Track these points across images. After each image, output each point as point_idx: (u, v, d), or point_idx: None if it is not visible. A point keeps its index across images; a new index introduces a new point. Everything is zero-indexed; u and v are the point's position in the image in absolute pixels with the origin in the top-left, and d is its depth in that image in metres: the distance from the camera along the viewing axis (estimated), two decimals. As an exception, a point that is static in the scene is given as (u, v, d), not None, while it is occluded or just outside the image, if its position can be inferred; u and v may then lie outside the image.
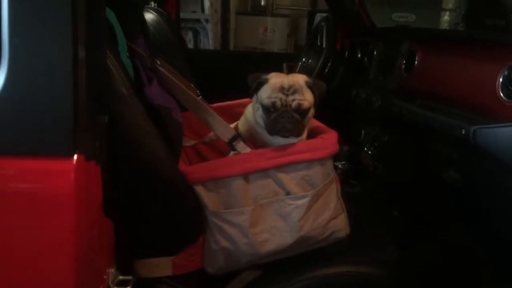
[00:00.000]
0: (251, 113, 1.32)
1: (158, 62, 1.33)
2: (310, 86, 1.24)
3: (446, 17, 5.97)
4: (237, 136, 1.21)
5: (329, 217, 1.24)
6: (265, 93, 1.23)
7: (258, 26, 5.44)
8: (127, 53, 1.18)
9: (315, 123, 1.37)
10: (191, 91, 1.35)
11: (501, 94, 1.23)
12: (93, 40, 0.90)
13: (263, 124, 1.25)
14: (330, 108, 1.66)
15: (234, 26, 5.38)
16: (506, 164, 1.20)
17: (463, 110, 1.38)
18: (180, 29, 3.27)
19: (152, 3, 2.63)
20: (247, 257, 1.20)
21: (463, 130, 1.27)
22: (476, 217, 1.54)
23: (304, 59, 2.58)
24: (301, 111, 1.21)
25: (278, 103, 1.20)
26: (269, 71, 1.30)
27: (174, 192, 1.14)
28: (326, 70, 2.35)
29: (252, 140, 1.29)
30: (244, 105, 1.43)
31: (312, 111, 1.26)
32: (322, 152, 1.21)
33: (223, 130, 1.23)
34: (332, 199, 1.26)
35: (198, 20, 4.82)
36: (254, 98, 1.28)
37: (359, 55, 2.31)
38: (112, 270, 1.01)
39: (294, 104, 1.20)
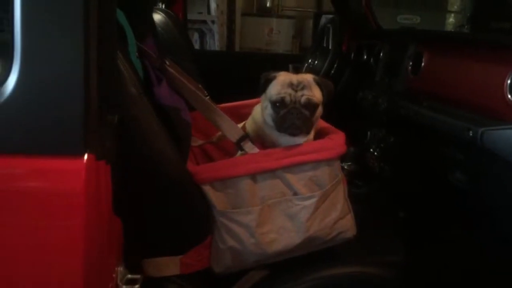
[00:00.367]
0: (259, 113, 1.33)
1: (167, 63, 1.33)
2: (318, 83, 1.25)
3: (451, 19, 5.97)
4: (245, 136, 1.22)
5: (336, 217, 1.24)
6: (274, 90, 1.24)
7: (264, 27, 5.45)
8: (137, 53, 1.19)
9: (323, 123, 1.37)
10: (199, 91, 1.36)
11: (509, 96, 1.23)
12: (104, 40, 0.91)
13: (271, 123, 1.26)
14: (336, 110, 1.66)
15: (239, 28, 5.40)
16: (514, 166, 1.21)
17: (470, 112, 1.39)
18: (187, 30, 3.29)
19: (160, 4, 2.65)
20: (254, 257, 1.20)
21: (471, 132, 1.27)
22: (482, 218, 1.54)
23: (310, 61, 2.59)
24: (310, 107, 1.22)
25: (287, 99, 1.21)
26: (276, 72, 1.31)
27: (182, 191, 1.14)
28: (332, 72, 2.35)
29: (260, 140, 1.30)
30: (251, 106, 1.44)
31: (320, 110, 1.26)
32: (329, 152, 1.22)
33: (231, 130, 1.23)
34: (339, 199, 1.26)
35: (204, 21, 4.84)
36: (263, 97, 1.29)
37: (365, 57, 2.31)
38: (120, 269, 1.02)
39: (303, 99, 1.21)
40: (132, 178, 1.05)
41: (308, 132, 1.26)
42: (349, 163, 2.16)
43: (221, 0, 5.08)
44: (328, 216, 1.23)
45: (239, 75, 2.44)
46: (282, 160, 1.18)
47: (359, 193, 1.98)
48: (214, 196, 1.16)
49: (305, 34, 5.71)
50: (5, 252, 0.88)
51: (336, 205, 1.25)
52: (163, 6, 2.65)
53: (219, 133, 1.45)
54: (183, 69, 1.51)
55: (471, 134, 1.27)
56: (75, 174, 0.86)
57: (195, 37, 4.79)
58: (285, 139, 1.26)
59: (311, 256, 1.26)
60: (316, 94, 1.23)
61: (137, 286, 1.02)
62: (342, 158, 1.28)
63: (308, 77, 1.26)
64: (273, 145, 1.28)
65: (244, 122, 1.42)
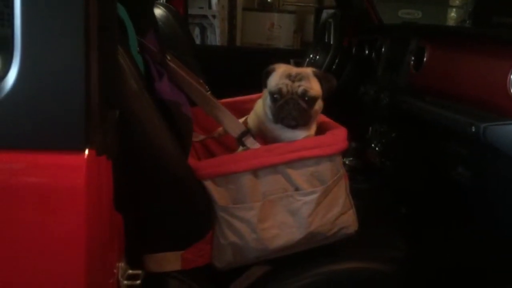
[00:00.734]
0: (261, 108, 1.32)
1: (168, 57, 1.33)
2: (317, 76, 1.25)
3: (452, 14, 5.95)
4: (247, 131, 1.21)
5: (337, 213, 1.24)
6: (273, 81, 1.25)
7: (265, 22, 5.44)
8: (138, 48, 1.18)
9: (324, 118, 1.37)
10: (200, 86, 1.35)
11: (512, 91, 1.22)
12: (105, 35, 0.90)
13: (271, 115, 1.25)
14: (337, 105, 1.66)
15: (240, 22, 5.38)
16: (516, 162, 1.20)
17: (473, 108, 1.38)
18: (188, 25, 3.27)
19: (161, -1, 2.64)
20: (256, 253, 1.20)
21: (473, 127, 1.27)
22: (484, 214, 1.53)
23: (311, 56, 2.58)
24: (308, 99, 1.22)
25: (284, 89, 1.21)
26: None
27: (184, 187, 1.14)
28: (334, 67, 2.34)
29: (262, 135, 1.29)
30: (252, 101, 1.43)
31: (320, 104, 1.26)
32: (331, 148, 1.21)
33: (232, 125, 1.23)
34: (341, 195, 1.26)
35: (205, 16, 4.82)
36: (264, 90, 1.29)
37: (367, 52, 2.30)
38: (122, 264, 1.01)
39: (300, 90, 1.21)
40: (133, 174, 1.05)
41: (305, 124, 1.25)
42: (351, 159, 2.15)
43: (222, -6, 5.07)
44: (330, 212, 1.23)
45: (240, 70, 2.43)
46: (284, 156, 1.18)
47: (361, 189, 1.98)
48: (215, 191, 1.16)
49: (306, 29, 5.71)
50: (6, 248, 0.87)
51: (338, 201, 1.24)
52: (164, 1, 2.64)
53: (220, 128, 1.45)
54: (184, 64, 1.50)
55: (473, 130, 1.27)
56: (76, 169, 0.86)
57: (196, 32, 4.78)
58: (287, 134, 1.26)
59: (313, 252, 1.26)
60: (314, 87, 1.23)
61: (138, 281, 1.02)
62: (344, 154, 1.28)
63: (308, 70, 1.26)
64: (275, 140, 1.28)
65: (245, 117, 1.41)
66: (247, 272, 1.24)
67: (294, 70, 1.25)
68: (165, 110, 1.14)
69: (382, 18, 2.54)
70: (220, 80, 2.12)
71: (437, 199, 1.74)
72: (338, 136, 1.24)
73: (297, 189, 1.20)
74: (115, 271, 1.00)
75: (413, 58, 1.76)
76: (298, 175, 1.19)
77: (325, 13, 2.84)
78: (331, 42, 2.46)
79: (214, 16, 4.88)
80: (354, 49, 2.42)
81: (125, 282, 1.00)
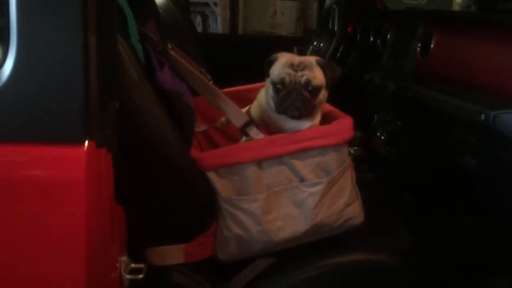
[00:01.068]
0: (263, 97, 1.29)
1: (169, 46, 1.30)
2: (321, 65, 1.22)
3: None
4: (250, 122, 1.18)
5: (343, 204, 1.22)
6: (275, 71, 1.22)
7: (267, 9, 5.37)
8: (138, 37, 1.15)
9: (329, 107, 1.34)
10: (202, 75, 1.33)
11: (523, 78, 1.19)
12: (104, 23, 0.87)
13: (273, 105, 1.23)
14: (342, 93, 1.63)
15: (242, 10, 5.32)
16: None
17: (482, 95, 1.35)
18: (189, 12, 3.23)
19: (161, -14, 2.59)
20: (260, 245, 1.18)
21: (483, 115, 1.24)
22: (492, 203, 1.51)
23: (315, 43, 2.54)
24: (311, 89, 1.19)
25: (287, 79, 1.19)
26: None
27: (186, 178, 1.11)
28: (338, 54, 2.30)
29: (265, 125, 1.27)
30: (256, 90, 1.40)
31: (324, 93, 1.23)
32: (337, 138, 1.19)
33: (235, 115, 1.20)
34: (347, 185, 1.23)
35: (206, 4, 4.77)
36: (267, 80, 1.26)
37: (372, 39, 2.26)
38: (124, 258, 1.00)
39: (303, 79, 1.18)
40: (134, 165, 1.02)
41: (308, 115, 1.23)
42: (356, 148, 2.12)
43: (224, -18, 5.00)
44: (336, 203, 1.21)
45: (243, 59, 2.40)
46: (289, 146, 1.15)
47: (366, 178, 1.95)
48: (218, 183, 1.14)
49: (309, 16, 5.63)
50: (5, 241, 0.86)
51: (344, 191, 1.22)
52: (165, -12, 2.59)
53: (223, 118, 1.42)
54: (185, 53, 1.47)
55: (483, 118, 1.24)
56: (75, 162, 0.84)
57: (197, 20, 4.73)
58: (291, 124, 1.23)
59: (318, 244, 1.24)
60: (318, 76, 1.20)
61: (141, 275, 1.00)
62: (349, 143, 1.25)
63: (311, 59, 1.23)
64: (279, 130, 1.25)
65: (248, 107, 1.39)
66: (252, 265, 1.22)
67: (297, 59, 1.22)
68: (166, 100, 1.12)
69: (387, 4, 2.49)
70: (222, 68, 2.09)
71: (443, 187, 1.72)
72: (344, 125, 1.21)
73: (302, 180, 1.17)
74: (117, 265, 0.98)
75: (419, 44, 1.72)
76: (303, 165, 1.17)
77: (328, 0, 2.79)
78: (335, 29, 2.41)
79: (215, 4, 4.82)
80: (358, 36, 2.37)
81: (128, 276, 0.98)
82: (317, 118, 1.26)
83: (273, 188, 1.16)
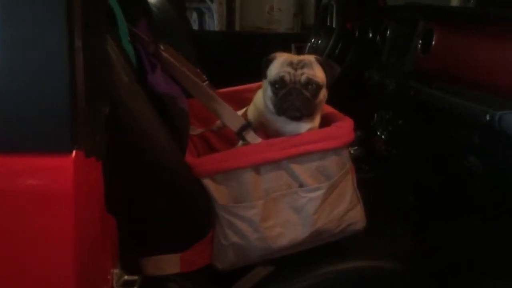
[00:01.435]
0: (261, 99, 1.25)
1: (162, 47, 1.25)
2: (321, 63, 1.18)
3: (456, -7, 5.82)
4: (247, 125, 1.14)
5: (345, 209, 1.18)
6: (274, 70, 1.17)
7: (264, 5, 5.32)
8: (129, 38, 1.11)
9: (329, 109, 1.29)
10: (197, 77, 1.28)
11: (530, 77, 1.15)
12: (91, 23, 0.83)
13: (272, 107, 1.18)
14: (341, 91, 1.59)
15: (239, 6, 5.27)
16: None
17: (486, 93, 1.31)
18: (185, 9, 3.18)
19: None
20: (259, 252, 1.14)
21: (488, 116, 1.20)
22: (496, 204, 1.47)
23: (313, 40, 2.49)
24: (312, 88, 1.15)
25: (287, 77, 1.14)
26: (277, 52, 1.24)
27: (181, 185, 1.07)
28: (337, 51, 2.25)
29: (262, 128, 1.22)
30: (253, 90, 1.36)
31: (324, 93, 1.19)
32: (337, 141, 1.14)
33: (231, 119, 1.16)
34: (348, 190, 1.19)
35: (202, 0, 4.71)
36: (264, 81, 1.22)
37: (371, 35, 2.22)
38: (116, 271, 0.96)
39: (303, 78, 1.14)
40: (126, 174, 0.98)
41: (309, 115, 1.18)
42: (355, 148, 2.08)
43: (220, -23, 4.94)
44: (337, 208, 1.17)
45: (240, 57, 2.36)
46: (287, 150, 1.11)
47: (366, 178, 1.91)
48: (215, 189, 1.09)
49: (306, 11, 5.58)
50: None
51: (345, 196, 1.18)
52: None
53: (219, 121, 1.38)
54: (180, 53, 1.42)
55: (488, 118, 1.20)
56: (62, 173, 0.79)
57: (193, 17, 4.68)
58: (289, 127, 1.19)
59: (319, 250, 1.20)
60: (318, 74, 1.16)
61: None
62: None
63: (310, 57, 1.19)
64: (277, 133, 1.21)
65: (245, 108, 1.34)
66: (250, 273, 1.18)
67: (296, 57, 1.18)
68: (159, 104, 1.07)
69: (386, -1, 2.45)
70: (219, 66, 2.05)
71: (445, 187, 1.68)
72: (344, 128, 1.17)
73: (301, 185, 1.13)
74: (108, 277, 0.94)
75: (420, 41, 1.67)
76: (302, 170, 1.12)
77: (326, -5, 2.74)
78: (334, 26, 2.36)
79: (212, 0, 4.77)
80: (357, 32, 2.32)
81: (120, 289, 0.94)
82: (317, 120, 1.22)
83: (272, 194, 1.12)
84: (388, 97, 1.86)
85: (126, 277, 0.97)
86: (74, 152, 0.78)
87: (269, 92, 1.18)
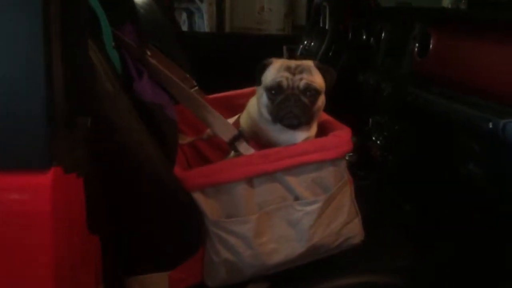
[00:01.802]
0: (254, 107, 1.19)
1: (149, 53, 1.18)
2: (320, 68, 1.12)
3: (447, -6, 5.81)
4: (239, 135, 1.08)
5: (342, 222, 1.12)
6: (270, 75, 1.11)
7: (254, 5, 5.27)
8: (113, 43, 1.04)
9: (325, 116, 1.24)
10: (186, 82, 1.22)
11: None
12: (71, 28, 0.77)
13: (267, 115, 1.12)
14: (335, 95, 1.54)
15: (229, 6, 5.21)
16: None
17: (486, 99, 1.26)
18: (173, 10, 3.11)
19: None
20: (252, 269, 1.08)
21: (491, 124, 1.15)
22: (498, 214, 1.43)
23: (305, 42, 2.44)
24: (310, 94, 1.09)
25: (284, 83, 1.08)
26: (269, 54, 1.18)
27: (170, 200, 1.01)
28: (330, 54, 2.20)
29: (256, 138, 1.16)
30: (245, 96, 1.30)
31: (322, 99, 1.13)
32: (334, 151, 1.09)
33: (223, 128, 1.09)
34: (346, 202, 1.13)
35: (192, 0, 4.65)
36: (258, 88, 1.16)
37: (365, 37, 2.16)
38: (100, 292, 0.89)
39: (302, 84, 1.08)
40: (110, 189, 0.91)
41: (307, 123, 1.13)
42: (351, 154, 2.02)
43: (209, -23, 4.88)
44: (334, 222, 1.11)
45: (231, 60, 2.30)
46: (282, 161, 1.04)
47: (362, 185, 1.86)
48: (205, 204, 1.03)
49: (297, 12, 5.54)
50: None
51: (343, 209, 1.12)
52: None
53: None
54: (168, 56, 1.36)
55: (491, 126, 1.15)
56: (40, 191, 0.74)
57: (183, 17, 4.61)
58: (284, 136, 1.13)
59: (316, 264, 1.14)
60: (317, 80, 1.10)
61: (119, 310, 0.90)
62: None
63: (309, 62, 1.13)
64: (271, 143, 1.15)
65: (237, 116, 1.28)
66: (244, 291, 1.12)
67: (293, 62, 1.12)
68: (146, 114, 1.01)
69: (379, 0, 2.40)
70: (209, 69, 1.99)
71: (443, 196, 1.63)
72: (342, 137, 1.11)
73: (297, 198, 1.07)
74: (92, 299, 0.88)
75: (417, 44, 1.62)
76: (298, 182, 1.06)
77: (318, -4, 2.68)
78: (326, 27, 2.31)
79: (201, 0, 4.70)
80: (350, 34, 2.27)
81: (104, 312, 0.88)
82: (313, 129, 1.16)
83: (265, 207, 1.06)
84: (384, 101, 1.81)
85: (110, 299, 0.91)
86: (52, 168, 0.73)
87: (264, 98, 1.12)
